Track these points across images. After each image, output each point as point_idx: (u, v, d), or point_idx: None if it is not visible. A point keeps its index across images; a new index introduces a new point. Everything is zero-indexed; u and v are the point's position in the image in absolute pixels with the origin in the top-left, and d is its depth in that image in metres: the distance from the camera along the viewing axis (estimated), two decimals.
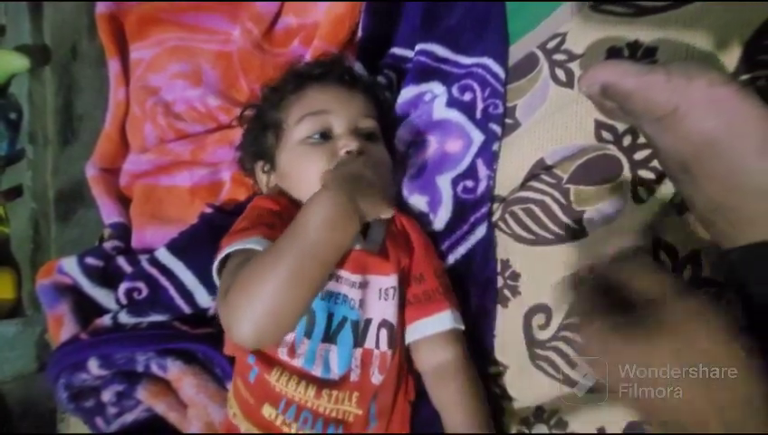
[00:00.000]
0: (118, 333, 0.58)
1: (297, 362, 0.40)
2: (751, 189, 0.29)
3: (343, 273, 0.42)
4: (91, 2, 0.85)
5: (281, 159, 0.49)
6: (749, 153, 0.29)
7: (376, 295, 0.42)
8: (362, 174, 0.38)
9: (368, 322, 0.42)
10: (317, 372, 0.41)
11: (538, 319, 0.43)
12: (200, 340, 0.57)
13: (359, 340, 0.42)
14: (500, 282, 0.45)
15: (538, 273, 0.43)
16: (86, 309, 0.64)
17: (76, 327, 0.62)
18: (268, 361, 0.41)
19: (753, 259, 0.31)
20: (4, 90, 1.03)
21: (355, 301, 0.42)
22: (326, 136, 0.45)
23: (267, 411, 0.41)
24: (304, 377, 0.40)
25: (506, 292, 0.45)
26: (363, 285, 0.42)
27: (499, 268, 0.45)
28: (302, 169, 0.45)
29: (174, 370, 0.56)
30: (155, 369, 0.56)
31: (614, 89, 0.33)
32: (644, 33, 0.39)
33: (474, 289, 0.44)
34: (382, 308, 0.42)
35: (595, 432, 0.38)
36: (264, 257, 0.35)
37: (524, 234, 0.44)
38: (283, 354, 0.41)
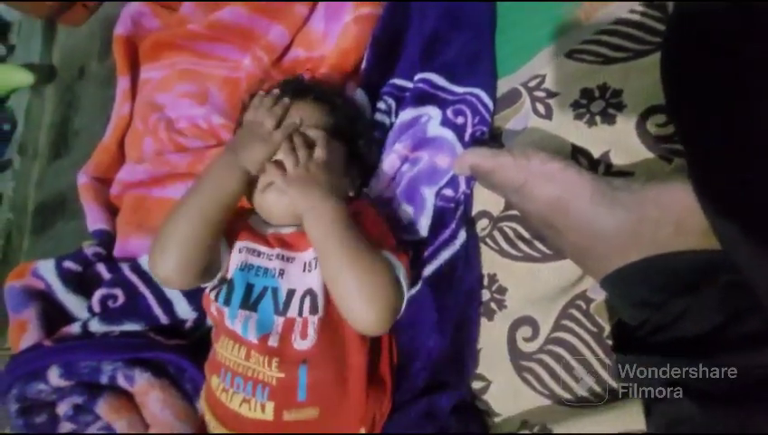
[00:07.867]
0: (85, 340, 0.55)
1: (230, 326, 0.43)
2: (597, 232, 0.37)
3: (263, 248, 0.45)
4: (105, 27, 0.91)
5: None
6: (585, 205, 0.38)
7: (300, 269, 0.44)
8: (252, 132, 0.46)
9: (291, 292, 0.43)
10: (242, 335, 0.42)
11: (523, 331, 0.44)
12: (173, 351, 0.55)
13: (281, 309, 0.43)
14: (486, 295, 0.46)
15: (525, 287, 0.44)
16: (54, 319, 0.61)
17: (40, 335, 0.58)
18: (217, 332, 0.45)
19: (608, 288, 0.39)
20: (3, 102, 1.04)
21: (275, 270, 0.44)
22: None
23: (214, 383, 0.45)
24: (238, 340, 0.43)
25: (492, 305, 0.46)
26: (286, 259, 0.45)
27: (486, 282, 0.47)
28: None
29: (141, 382, 0.52)
30: (121, 380, 0.53)
31: (478, 169, 0.44)
32: (611, 77, 0.45)
33: (458, 298, 0.45)
34: (306, 279, 0.44)
35: None
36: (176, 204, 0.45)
37: (512, 250, 0.46)
38: (226, 321, 0.43)
